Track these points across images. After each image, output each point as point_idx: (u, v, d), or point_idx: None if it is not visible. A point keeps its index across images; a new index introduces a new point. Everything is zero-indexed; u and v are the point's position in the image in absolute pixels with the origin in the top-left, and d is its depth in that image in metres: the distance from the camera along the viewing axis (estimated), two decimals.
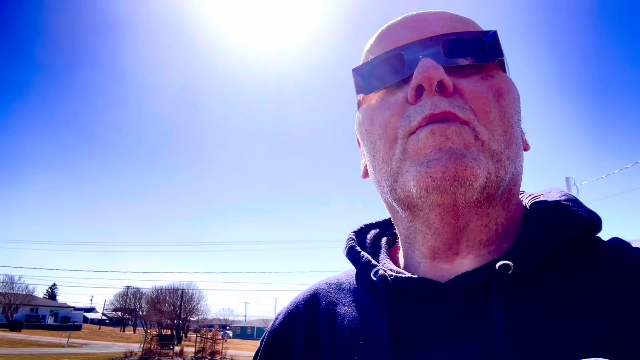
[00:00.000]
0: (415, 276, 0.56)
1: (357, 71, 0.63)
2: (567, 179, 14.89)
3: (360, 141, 0.65)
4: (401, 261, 0.65)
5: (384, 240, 0.70)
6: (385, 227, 0.76)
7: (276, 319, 0.72)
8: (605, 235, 0.57)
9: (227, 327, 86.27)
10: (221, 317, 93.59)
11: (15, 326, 49.54)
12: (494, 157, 0.53)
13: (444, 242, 0.56)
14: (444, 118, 0.53)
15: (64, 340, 33.45)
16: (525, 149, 0.61)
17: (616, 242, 0.55)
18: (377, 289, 0.58)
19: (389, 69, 0.58)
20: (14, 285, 57.13)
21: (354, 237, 0.71)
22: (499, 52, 0.57)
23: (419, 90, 0.54)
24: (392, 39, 0.61)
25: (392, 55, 0.58)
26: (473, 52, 0.56)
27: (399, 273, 0.58)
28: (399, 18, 0.64)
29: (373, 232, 0.74)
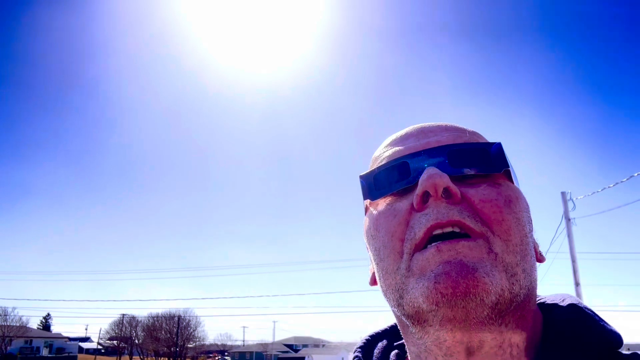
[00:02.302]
0: None
1: (364, 178, 0.64)
2: (562, 193, 15.19)
3: (367, 247, 0.65)
4: None
5: (393, 355, 0.68)
6: (393, 335, 0.74)
7: None
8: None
9: (226, 353, 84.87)
10: (219, 343, 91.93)
11: (9, 359, 48.49)
12: (508, 271, 0.52)
13: None
14: (452, 225, 0.53)
15: None
16: (540, 261, 0.61)
17: (636, 359, 0.54)
18: None
19: (395, 176, 0.59)
20: (7, 317, 56.13)
21: (360, 355, 0.69)
22: (505, 163, 0.58)
23: (425, 197, 0.55)
24: (398, 148, 0.63)
25: (397, 163, 0.59)
26: (478, 162, 0.57)
27: None
28: (405, 129, 0.67)
29: (380, 345, 0.71)
